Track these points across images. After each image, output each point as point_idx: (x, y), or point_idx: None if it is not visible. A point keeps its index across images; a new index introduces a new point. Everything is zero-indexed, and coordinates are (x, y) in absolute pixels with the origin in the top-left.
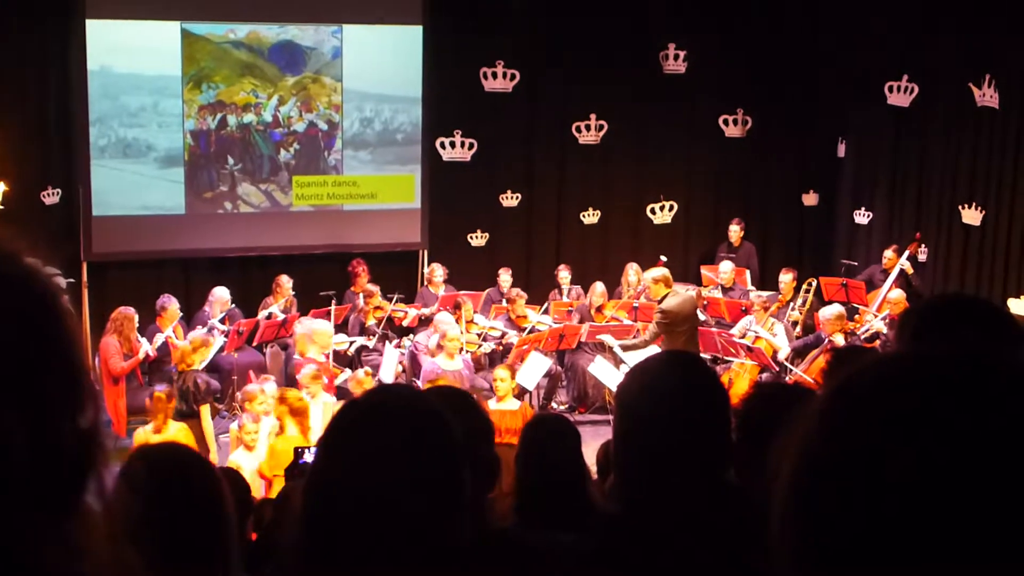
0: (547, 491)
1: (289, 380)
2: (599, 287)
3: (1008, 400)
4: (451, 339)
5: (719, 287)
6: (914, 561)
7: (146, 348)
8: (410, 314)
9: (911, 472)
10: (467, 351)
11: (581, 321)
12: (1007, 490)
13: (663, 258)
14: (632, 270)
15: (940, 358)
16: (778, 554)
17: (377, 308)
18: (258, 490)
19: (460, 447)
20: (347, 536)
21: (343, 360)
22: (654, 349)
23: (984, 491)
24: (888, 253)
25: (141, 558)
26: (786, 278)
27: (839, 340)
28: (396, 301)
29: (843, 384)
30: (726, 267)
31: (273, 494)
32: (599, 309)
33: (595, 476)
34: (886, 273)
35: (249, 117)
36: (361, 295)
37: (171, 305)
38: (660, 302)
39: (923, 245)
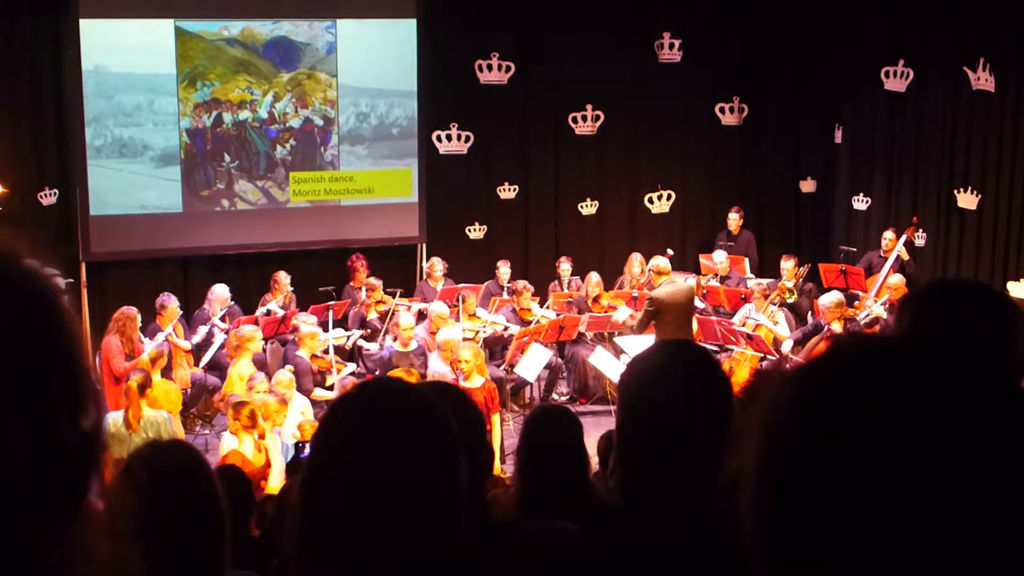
0: (549, 483)
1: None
2: (594, 277)
3: (976, 391)
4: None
5: (717, 276)
6: (886, 562)
7: (148, 347)
8: (413, 308)
9: (874, 462)
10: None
11: (579, 312)
12: (985, 488)
13: (670, 251)
14: (636, 260)
15: (905, 344)
16: (752, 551)
17: (379, 302)
18: None
19: (457, 438)
20: (346, 531)
21: (343, 355)
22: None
23: (958, 485)
24: (888, 234)
25: (141, 556)
26: (787, 264)
27: (837, 328)
28: (399, 296)
29: (805, 372)
30: (720, 256)
31: None
32: (596, 299)
33: (596, 467)
34: (884, 257)
35: (245, 114)
36: (363, 289)
37: (171, 304)
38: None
39: (921, 230)
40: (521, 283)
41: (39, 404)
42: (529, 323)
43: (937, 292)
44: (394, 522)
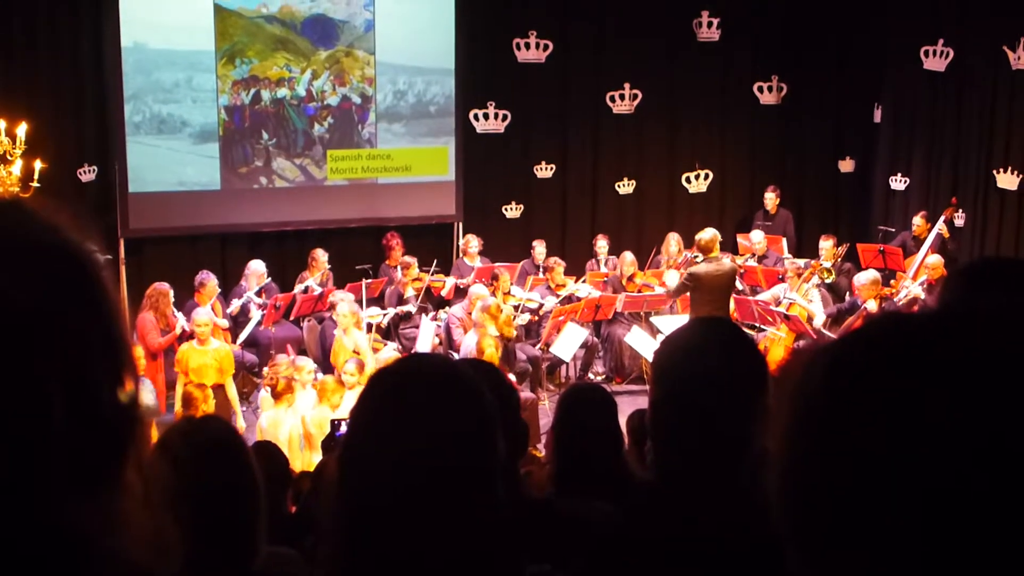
0: (583, 460)
1: (325, 354)
2: (628, 256)
3: (1012, 365)
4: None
5: (754, 255)
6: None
7: (182, 323)
8: (448, 284)
9: (907, 437)
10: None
11: (613, 291)
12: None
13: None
14: (674, 240)
15: (939, 318)
16: (781, 528)
17: (415, 280)
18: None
19: (493, 413)
20: (383, 507)
21: (379, 333)
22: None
23: (994, 460)
24: (917, 220)
25: (176, 529)
26: (826, 244)
27: (872, 306)
28: (434, 272)
29: (837, 346)
30: (757, 236)
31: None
32: (630, 278)
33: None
34: (917, 240)
35: (283, 92)
36: (399, 267)
37: (210, 281)
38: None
39: (960, 210)
40: (552, 259)
41: (78, 374)
42: (566, 298)
43: (978, 270)
44: (431, 498)
